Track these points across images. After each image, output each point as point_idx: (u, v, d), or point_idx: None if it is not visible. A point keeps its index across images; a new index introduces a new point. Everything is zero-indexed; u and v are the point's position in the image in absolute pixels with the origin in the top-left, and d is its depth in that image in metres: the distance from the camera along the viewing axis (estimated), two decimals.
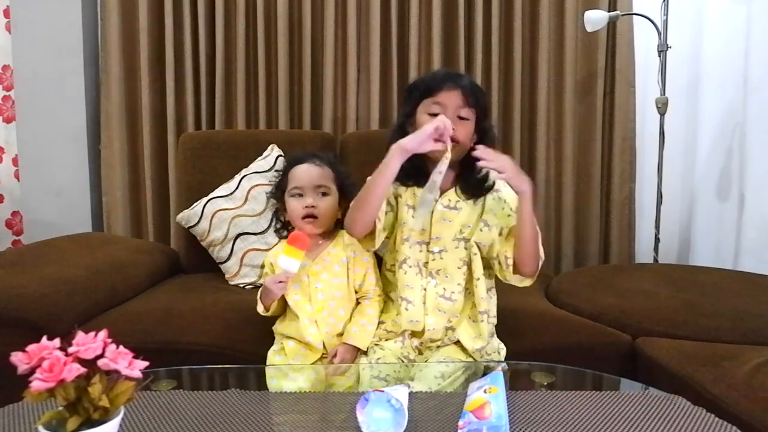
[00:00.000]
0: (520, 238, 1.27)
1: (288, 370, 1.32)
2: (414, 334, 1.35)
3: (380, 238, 1.33)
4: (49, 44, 2.34)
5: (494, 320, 1.40)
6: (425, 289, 1.35)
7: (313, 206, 1.35)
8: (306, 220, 1.36)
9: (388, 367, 1.26)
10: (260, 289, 1.36)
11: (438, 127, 1.19)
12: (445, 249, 1.34)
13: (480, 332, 1.34)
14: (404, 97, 1.38)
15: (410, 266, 1.35)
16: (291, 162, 1.44)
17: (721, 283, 1.76)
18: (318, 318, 1.34)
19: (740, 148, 2.29)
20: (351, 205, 1.31)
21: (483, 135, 1.34)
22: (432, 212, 1.31)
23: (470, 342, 1.33)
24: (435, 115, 1.26)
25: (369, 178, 1.27)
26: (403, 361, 1.31)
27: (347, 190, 1.42)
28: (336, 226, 1.44)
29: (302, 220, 1.36)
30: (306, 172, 1.38)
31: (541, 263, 1.32)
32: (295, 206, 1.37)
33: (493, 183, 1.35)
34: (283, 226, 1.46)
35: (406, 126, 1.35)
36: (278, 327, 1.40)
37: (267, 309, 1.36)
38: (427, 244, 1.35)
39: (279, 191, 1.43)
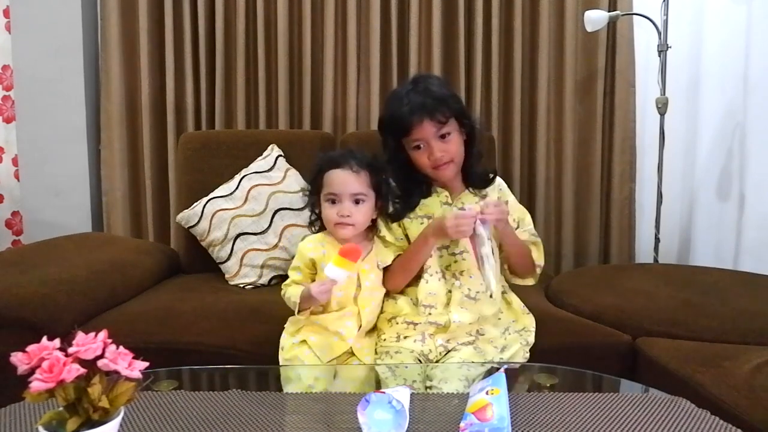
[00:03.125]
0: (508, 254, 1.40)
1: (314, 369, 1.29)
2: (438, 330, 1.33)
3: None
4: (49, 44, 2.34)
5: (530, 334, 1.41)
6: (450, 291, 1.35)
7: (347, 215, 1.31)
8: (339, 225, 1.32)
9: (410, 372, 1.25)
10: (300, 292, 1.28)
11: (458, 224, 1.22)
12: (465, 249, 1.35)
13: (505, 343, 1.36)
14: (382, 135, 1.38)
15: (431, 275, 1.36)
16: (327, 162, 1.35)
17: (721, 283, 1.76)
18: (362, 313, 1.33)
19: (740, 148, 2.29)
20: (391, 269, 1.37)
21: (470, 130, 1.36)
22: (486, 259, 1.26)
23: (491, 347, 1.34)
24: (419, 147, 1.31)
25: (410, 248, 1.35)
26: (420, 361, 1.29)
27: (384, 190, 1.36)
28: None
29: (336, 226, 1.32)
30: (342, 180, 1.30)
31: (539, 269, 1.45)
32: (330, 213, 1.31)
33: (495, 174, 1.43)
34: (318, 218, 1.40)
35: (397, 159, 1.36)
36: (301, 316, 1.33)
37: (300, 312, 1.30)
38: (447, 247, 1.36)
39: (314, 190, 1.37)
